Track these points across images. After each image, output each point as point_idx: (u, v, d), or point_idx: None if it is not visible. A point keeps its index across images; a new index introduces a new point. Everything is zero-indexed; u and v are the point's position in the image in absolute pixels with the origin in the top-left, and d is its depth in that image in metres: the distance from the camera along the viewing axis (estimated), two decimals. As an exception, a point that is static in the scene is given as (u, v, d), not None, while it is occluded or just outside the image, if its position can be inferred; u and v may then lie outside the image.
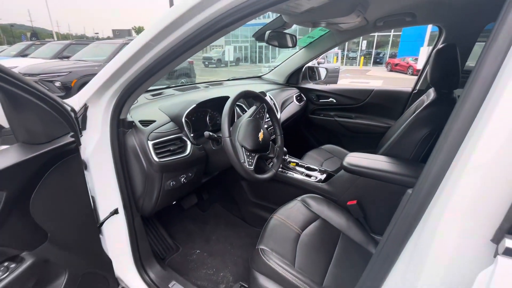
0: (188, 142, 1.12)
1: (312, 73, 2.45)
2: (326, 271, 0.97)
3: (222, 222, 1.74)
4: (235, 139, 1.06)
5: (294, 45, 1.42)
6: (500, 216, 0.36)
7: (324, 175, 1.51)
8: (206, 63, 19.07)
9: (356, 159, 1.30)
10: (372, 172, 1.20)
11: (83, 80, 5.23)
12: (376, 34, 19.11)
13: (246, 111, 1.28)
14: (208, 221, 1.73)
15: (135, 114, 1.14)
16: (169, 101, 1.27)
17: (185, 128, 1.10)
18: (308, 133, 2.41)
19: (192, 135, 1.21)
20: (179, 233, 1.61)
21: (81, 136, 0.96)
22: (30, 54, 7.79)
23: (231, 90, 1.72)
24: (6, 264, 0.62)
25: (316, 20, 1.16)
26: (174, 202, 1.42)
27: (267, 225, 1.10)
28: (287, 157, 1.51)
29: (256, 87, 1.96)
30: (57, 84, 4.99)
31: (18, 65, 5.76)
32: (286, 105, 1.96)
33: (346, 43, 20.43)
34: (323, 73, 2.43)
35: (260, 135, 1.10)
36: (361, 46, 20.52)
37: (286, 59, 2.18)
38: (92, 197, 1.05)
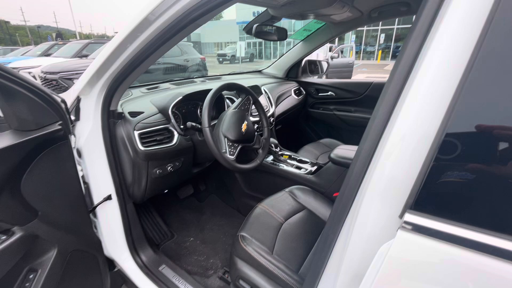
0: (175, 133, 1.18)
1: (313, 67, 2.44)
2: (304, 259, 0.99)
3: (218, 213, 1.80)
4: (219, 130, 1.10)
5: (283, 39, 1.42)
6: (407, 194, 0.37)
7: (315, 167, 1.52)
8: (220, 59, 19.27)
9: (344, 151, 1.30)
10: None
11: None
12: (395, 26, 18.38)
13: None
14: (205, 211, 1.80)
15: (127, 106, 1.21)
16: (160, 94, 1.33)
17: (172, 119, 1.15)
18: (307, 126, 2.41)
19: (182, 126, 1.26)
20: (175, 222, 1.68)
21: (72, 126, 1.04)
22: (53, 54, 8.23)
23: None
24: (-2, 236, 0.70)
25: (300, 13, 1.17)
26: (166, 190, 1.49)
27: (251, 213, 1.13)
28: (278, 149, 1.53)
29: (253, 81, 1.98)
30: (75, 81, 5.25)
31: (41, 64, 6.11)
32: (283, 98, 1.97)
33: (363, 37, 19.86)
34: (324, 66, 2.41)
35: (244, 126, 1.13)
36: (379, 39, 19.82)
37: (285, 53, 2.18)
38: (86, 183, 1.13)
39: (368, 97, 1.97)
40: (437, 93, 0.37)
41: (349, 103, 2.09)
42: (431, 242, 0.36)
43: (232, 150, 1.08)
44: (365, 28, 19.69)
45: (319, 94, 2.21)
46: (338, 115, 2.13)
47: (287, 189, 1.28)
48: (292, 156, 1.66)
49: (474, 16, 0.35)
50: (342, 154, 1.27)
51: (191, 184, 1.85)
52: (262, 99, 1.70)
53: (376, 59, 19.55)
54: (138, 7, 0.78)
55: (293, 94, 2.09)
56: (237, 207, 1.82)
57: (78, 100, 1.05)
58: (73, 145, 1.08)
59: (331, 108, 2.17)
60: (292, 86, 2.14)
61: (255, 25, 1.28)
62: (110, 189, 1.17)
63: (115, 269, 1.24)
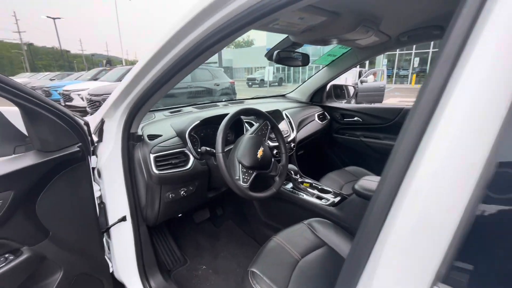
0: (191, 156, 1.17)
1: (339, 91, 2.38)
2: None
3: (233, 240, 1.72)
4: (235, 156, 1.07)
5: (305, 64, 1.40)
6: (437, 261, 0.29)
7: (338, 198, 1.41)
8: (250, 83, 19.98)
9: (370, 183, 1.19)
10: None
11: (137, 100, 5.88)
12: (430, 50, 17.75)
13: None
14: (220, 237, 1.73)
15: (148, 128, 1.24)
16: (181, 118, 1.36)
17: (188, 143, 1.15)
18: (331, 153, 2.29)
19: (199, 150, 1.26)
20: (189, 246, 1.64)
21: (95, 147, 1.08)
22: (100, 78, 9.15)
23: None
24: (6, 255, 0.71)
25: (322, 38, 1.15)
26: (180, 214, 1.46)
27: (264, 246, 1.06)
28: (298, 176, 1.45)
29: (275, 105, 1.97)
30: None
31: (89, 87, 6.80)
32: (306, 123, 1.92)
33: (396, 60, 19.39)
34: (351, 91, 2.33)
35: (259, 152, 1.09)
36: (413, 63, 19.19)
37: (309, 78, 2.16)
38: (103, 203, 1.15)
39: (398, 124, 1.84)
40: (483, 112, 0.29)
41: (377, 130, 1.97)
42: None
43: (246, 177, 1.03)
44: (397, 51, 19.29)
45: (345, 119, 2.12)
46: (365, 142, 2.01)
47: (305, 221, 1.19)
48: (314, 184, 1.56)
49: None
50: (368, 186, 1.16)
51: (208, 208, 1.82)
52: (283, 124, 1.66)
53: (410, 83, 18.80)
54: (158, 36, 0.81)
55: (316, 119, 2.03)
56: (254, 235, 1.73)
57: (102, 122, 1.10)
58: (94, 165, 1.12)
59: (358, 134, 2.06)
60: (316, 110, 2.08)
61: (276, 52, 1.27)
62: (125, 210, 1.17)
63: None
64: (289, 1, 0.51)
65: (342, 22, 0.99)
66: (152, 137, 1.14)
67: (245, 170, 1.04)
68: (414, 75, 18.66)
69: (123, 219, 1.18)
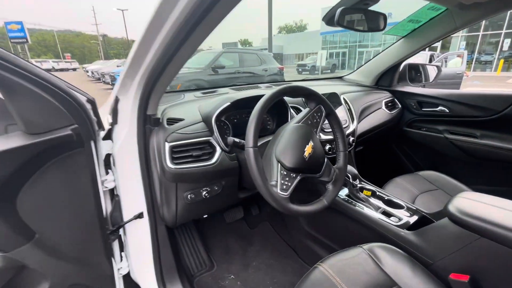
0: (218, 148, 0.91)
1: (415, 74, 1.85)
2: None
3: (269, 247, 1.46)
4: (272, 152, 0.77)
5: (377, 29, 1.00)
6: None
7: (415, 218, 1.02)
8: (300, 69, 19.06)
9: (476, 204, 0.78)
10: (508, 236, 0.67)
11: (186, 84, 5.99)
12: (528, 29, 14.35)
13: None
14: (253, 242, 1.49)
15: (172, 111, 1.02)
16: (212, 99, 1.11)
17: (215, 131, 0.90)
18: (401, 151, 1.82)
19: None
20: (218, 248, 1.43)
21: (110, 130, 0.91)
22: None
23: None
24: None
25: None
26: (205, 215, 1.25)
27: (307, 276, 0.77)
28: (357, 182, 1.09)
29: (331, 88, 1.59)
30: (167, 88, 5.88)
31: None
32: (370, 112, 1.50)
33: (478, 43, 16.25)
34: (432, 72, 1.79)
35: (308, 149, 0.77)
36: (501, 45, 15.81)
37: (376, 55, 1.70)
38: (118, 195, 0.98)
39: (509, 117, 1.30)
40: None
41: (472, 124, 1.44)
42: None
43: (286, 182, 0.73)
44: (480, 33, 16.09)
45: (423, 109, 1.62)
46: (451, 140, 1.50)
47: (365, 246, 0.85)
48: (378, 192, 1.18)
49: None
50: (471, 211, 0.75)
51: (242, 206, 1.58)
52: (341, 112, 1.29)
53: (495, 70, 15.61)
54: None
55: (383, 107, 1.59)
56: (294, 245, 1.44)
57: (116, 100, 0.91)
58: (109, 151, 0.95)
59: (441, 129, 1.56)
60: (383, 96, 1.64)
61: (340, 9, 0.91)
62: (142, 206, 1.00)
63: None
64: None
65: None
66: (172, 121, 0.91)
67: (285, 173, 0.74)
68: (502, 61, 15.41)
69: (140, 215, 1.01)
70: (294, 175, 0.76)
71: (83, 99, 0.75)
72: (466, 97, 1.43)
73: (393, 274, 0.77)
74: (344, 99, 1.36)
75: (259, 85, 1.53)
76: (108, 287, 0.85)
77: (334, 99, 1.30)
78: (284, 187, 0.73)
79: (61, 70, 29.53)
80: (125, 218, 1.00)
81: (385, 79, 1.73)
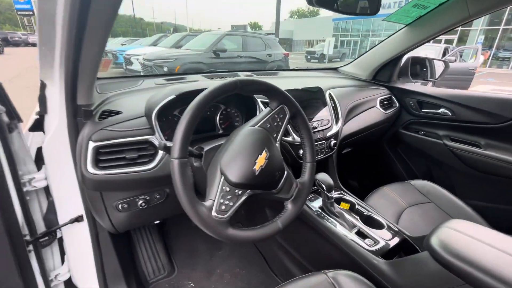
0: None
1: (419, 69, 1.65)
2: None
3: (238, 253, 1.34)
4: (218, 161, 0.62)
5: (369, 12, 0.82)
6: None
7: (396, 241, 0.88)
8: (309, 57, 18.37)
9: (464, 240, 0.63)
10: None
11: (185, 67, 5.78)
12: (554, 25, 13.51)
13: None
14: (222, 246, 1.37)
15: (116, 101, 0.86)
16: (164, 90, 0.94)
17: (156, 129, 0.74)
18: (394, 156, 1.65)
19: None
20: (183, 251, 1.32)
21: (39, 120, 0.77)
22: (159, 44, 9.37)
23: (281, 83, 1.25)
24: None
25: None
26: (157, 221, 1.12)
27: None
28: (332, 193, 0.93)
29: (320, 81, 1.41)
30: (165, 69, 5.68)
31: (146, 52, 6.95)
32: (360, 111, 1.33)
33: (497, 38, 15.41)
34: (438, 67, 1.59)
35: (260, 160, 0.62)
36: (523, 41, 14.97)
37: (375, 46, 1.49)
38: (51, 196, 0.86)
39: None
40: None
41: (477, 132, 1.26)
42: None
43: (227, 201, 0.59)
44: (501, 27, 15.20)
45: (423, 110, 1.44)
46: (451, 148, 1.33)
47: (330, 273, 0.73)
48: (357, 206, 1.03)
49: None
50: (459, 250, 0.60)
51: None
52: (324, 111, 1.12)
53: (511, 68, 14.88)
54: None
55: (378, 105, 1.41)
56: (265, 253, 1.31)
57: (42, 86, 0.76)
58: (40, 144, 0.81)
59: (441, 134, 1.38)
60: (379, 93, 1.45)
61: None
62: (80, 209, 0.87)
63: None
64: None
65: None
66: (107, 114, 0.76)
67: (229, 189, 0.59)
68: (521, 58, 14.65)
69: (78, 219, 0.88)
70: (240, 192, 0.61)
71: None
72: (473, 99, 1.24)
73: None
74: (330, 95, 1.18)
75: (238, 73, 1.36)
76: None
77: (317, 95, 1.13)
78: (223, 207, 0.58)
79: (67, 46, 28.99)
80: (62, 221, 0.88)
81: (384, 73, 1.54)
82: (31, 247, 0.77)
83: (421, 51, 6.95)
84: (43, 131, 0.82)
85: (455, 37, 15.64)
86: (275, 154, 0.66)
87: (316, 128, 1.05)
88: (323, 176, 0.91)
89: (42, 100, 0.77)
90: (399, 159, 1.62)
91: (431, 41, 1.50)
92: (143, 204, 0.78)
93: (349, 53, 21.84)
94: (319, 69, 1.73)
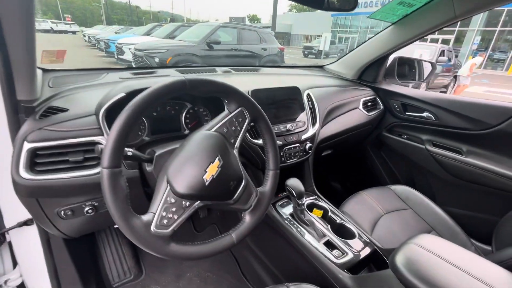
0: None
1: (407, 69, 1.60)
2: None
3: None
4: (166, 169, 0.56)
5: (352, 7, 0.76)
6: None
7: (367, 252, 0.84)
8: (306, 52, 18.18)
9: (430, 260, 0.58)
10: None
11: (177, 59, 5.64)
12: (549, 28, 13.57)
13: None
14: None
15: (67, 97, 0.79)
16: (118, 86, 0.86)
17: (104, 130, 0.68)
18: (377, 159, 1.61)
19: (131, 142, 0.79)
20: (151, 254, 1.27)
21: None
22: (152, 34, 9.14)
23: (261, 82, 1.19)
24: None
25: None
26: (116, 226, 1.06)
27: None
28: (303, 200, 0.89)
29: (300, 80, 1.35)
30: (156, 60, 5.53)
31: (137, 42, 6.75)
32: (341, 112, 1.27)
33: (493, 39, 15.43)
34: (426, 69, 1.54)
35: (211, 169, 0.56)
36: (519, 44, 15.06)
37: (361, 44, 1.43)
38: None
39: (504, 133, 1.07)
40: None
41: (459, 138, 1.23)
42: None
43: (171, 214, 0.53)
44: (498, 28, 15.22)
45: (407, 113, 1.39)
46: (432, 153, 1.29)
47: (292, 286, 0.68)
48: (330, 213, 0.99)
49: None
50: (422, 271, 0.56)
51: None
52: (300, 113, 1.06)
53: (506, 69, 14.97)
54: None
55: (361, 107, 1.36)
56: (238, 257, 1.27)
57: None
58: None
59: (423, 138, 1.34)
60: (362, 94, 1.40)
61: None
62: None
63: None
64: None
65: None
66: (52, 111, 0.69)
67: (174, 201, 0.54)
68: (516, 60, 14.75)
69: (27, 222, 0.82)
70: (187, 204, 0.55)
71: None
72: (457, 104, 1.20)
73: None
74: (309, 95, 1.13)
75: (216, 68, 1.29)
76: None
77: (293, 95, 1.07)
78: (165, 221, 0.52)
79: (60, 32, 28.12)
80: (8, 225, 0.81)
81: (369, 73, 1.48)
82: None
83: (417, 50, 6.93)
84: None
85: (452, 37, 15.63)
86: (231, 161, 0.61)
87: (290, 130, 0.99)
88: (294, 182, 0.86)
89: None
90: (382, 163, 1.58)
91: (427, 41, 1.45)
92: (90, 211, 0.72)
93: (347, 49, 21.72)
94: (305, 66, 1.67)
